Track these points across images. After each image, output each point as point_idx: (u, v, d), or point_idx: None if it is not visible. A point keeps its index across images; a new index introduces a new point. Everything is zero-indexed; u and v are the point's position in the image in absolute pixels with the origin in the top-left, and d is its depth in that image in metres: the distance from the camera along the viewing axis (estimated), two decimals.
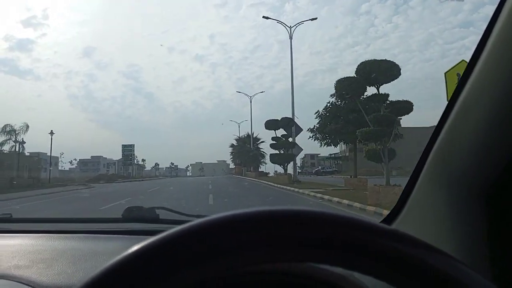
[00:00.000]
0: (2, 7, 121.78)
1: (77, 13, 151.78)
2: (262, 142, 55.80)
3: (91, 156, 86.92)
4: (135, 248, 0.30)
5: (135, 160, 69.73)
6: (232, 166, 79.57)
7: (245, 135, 58.33)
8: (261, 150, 54.47)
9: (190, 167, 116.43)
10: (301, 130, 23.80)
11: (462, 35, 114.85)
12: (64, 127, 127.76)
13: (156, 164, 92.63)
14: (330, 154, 60.23)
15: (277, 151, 24.99)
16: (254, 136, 52.60)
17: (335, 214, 0.31)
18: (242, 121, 67.89)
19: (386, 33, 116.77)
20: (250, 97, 49.96)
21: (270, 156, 24.44)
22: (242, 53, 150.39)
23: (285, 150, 24.11)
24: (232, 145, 64.60)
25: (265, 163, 56.10)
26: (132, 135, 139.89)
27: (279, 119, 24.18)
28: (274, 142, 24.75)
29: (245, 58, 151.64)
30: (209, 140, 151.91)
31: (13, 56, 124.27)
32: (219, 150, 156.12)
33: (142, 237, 0.23)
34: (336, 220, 0.30)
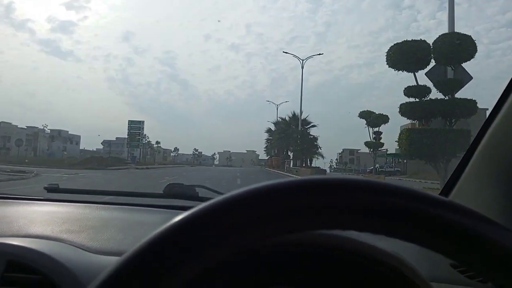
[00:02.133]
0: None
1: None
2: (313, 126, 41.26)
3: (116, 138, 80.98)
4: (189, 212, 0.28)
5: (147, 141, 57.90)
6: (262, 156, 66.52)
7: (290, 116, 42.82)
8: (311, 136, 40.11)
9: (217, 155, 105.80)
10: (471, 78, 11.18)
11: (510, 35, 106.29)
12: (102, 108, 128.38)
13: (176, 149, 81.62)
14: (372, 150, 44.53)
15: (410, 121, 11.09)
16: (302, 118, 38.62)
17: (396, 185, 0.30)
18: (282, 102, 54.86)
19: (429, 29, 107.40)
20: (302, 60, 37.36)
21: (402, 135, 10.66)
22: (278, 44, 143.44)
23: (448, 120, 9.87)
24: (269, 130, 50.04)
25: (321, 156, 41.37)
26: (164, 121, 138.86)
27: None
28: (415, 99, 10.50)
29: (281, 49, 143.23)
30: (239, 129, 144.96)
31: (55, 37, 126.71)
32: (248, 141, 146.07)
33: (183, 212, 0.23)
34: (397, 191, 0.29)
